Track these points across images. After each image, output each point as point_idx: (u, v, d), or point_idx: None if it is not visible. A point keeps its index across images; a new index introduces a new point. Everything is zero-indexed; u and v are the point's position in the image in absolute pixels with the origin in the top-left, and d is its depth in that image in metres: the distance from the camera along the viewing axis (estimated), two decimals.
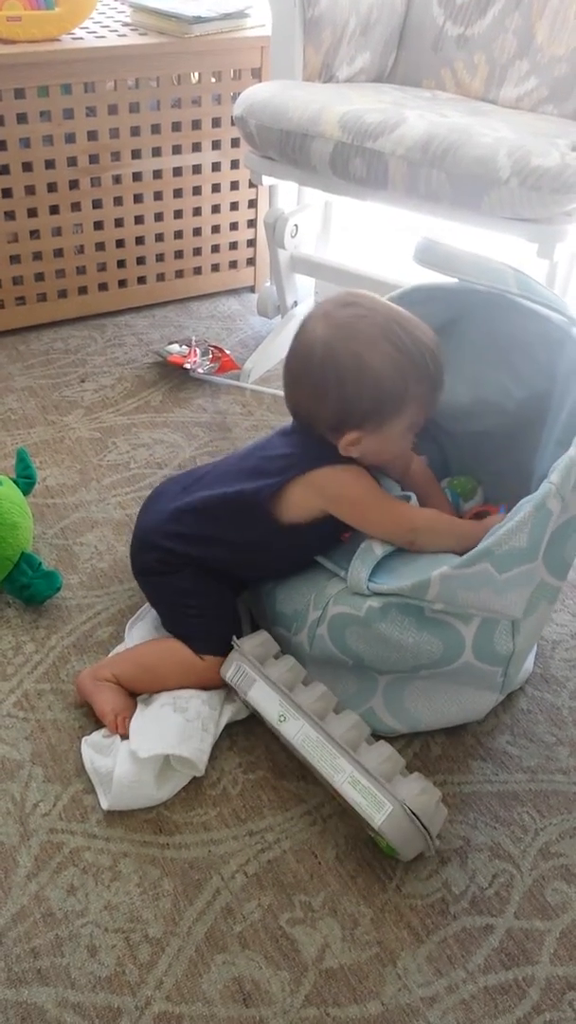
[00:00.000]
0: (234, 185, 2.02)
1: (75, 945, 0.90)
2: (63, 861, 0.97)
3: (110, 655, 1.19)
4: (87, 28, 1.85)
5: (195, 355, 1.83)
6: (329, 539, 1.12)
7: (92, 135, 1.81)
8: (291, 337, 1.11)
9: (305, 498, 1.08)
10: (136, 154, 1.88)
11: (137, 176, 1.90)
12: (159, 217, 1.97)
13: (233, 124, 1.76)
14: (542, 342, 1.15)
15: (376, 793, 0.93)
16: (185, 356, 1.82)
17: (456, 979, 0.89)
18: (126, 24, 1.91)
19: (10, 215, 1.82)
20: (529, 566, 0.98)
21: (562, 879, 0.98)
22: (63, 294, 1.96)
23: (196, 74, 1.87)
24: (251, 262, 2.14)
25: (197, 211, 2.01)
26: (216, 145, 1.95)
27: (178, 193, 1.97)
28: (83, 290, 1.97)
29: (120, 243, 1.96)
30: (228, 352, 1.85)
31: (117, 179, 1.88)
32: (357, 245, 2.09)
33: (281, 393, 1.15)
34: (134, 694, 1.11)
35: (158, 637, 1.18)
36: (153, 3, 1.88)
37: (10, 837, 0.99)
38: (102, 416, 1.70)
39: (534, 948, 0.92)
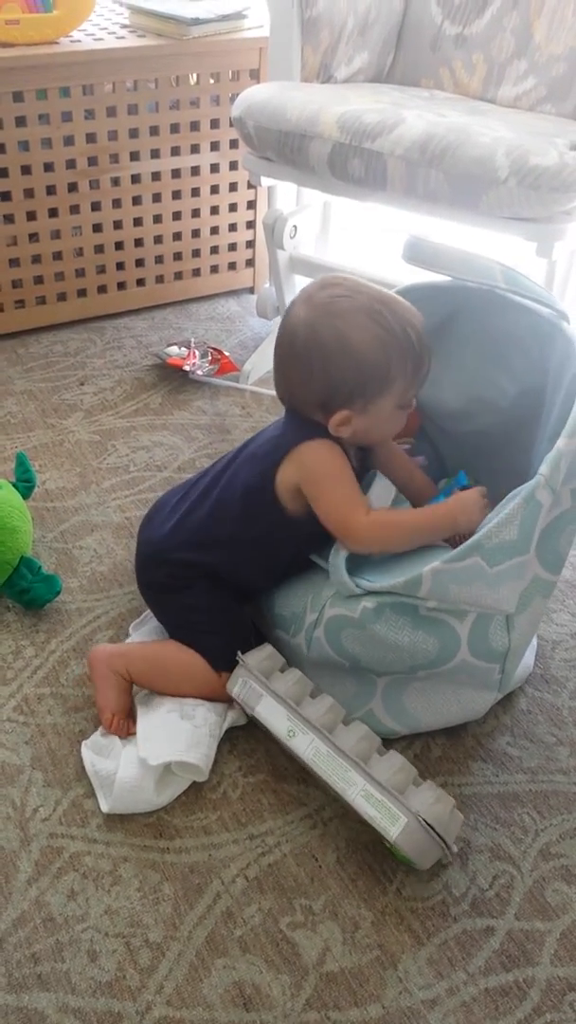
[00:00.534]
0: (233, 186, 2.02)
1: (76, 950, 0.90)
2: (63, 866, 0.97)
3: (128, 641, 1.18)
4: (85, 31, 1.85)
5: (194, 357, 1.83)
6: (327, 535, 1.11)
7: (91, 137, 1.81)
8: None
9: (293, 476, 1.08)
10: (135, 156, 1.88)
11: (136, 178, 1.90)
12: (158, 219, 1.97)
13: (231, 125, 1.75)
14: (533, 336, 1.16)
15: (390, 806, 0.93)
16: (184, 358, 1.82)
17: (457, 981, 0.89)
18: (124, 26, 1.91)
19: (9, 218, 1.82)
20: (521, 559, 0.98)
21: (562, 880, 0.98)
22: (62, 297, 1.96)
23: (194, 76, 1.87)
24: (250, 263, 2.14)
25: (196, 213, 2.01)
26: (215, 146, 1.95)
27: (177, 195, 1.96)
28: (82, 293, 1.97)
29: (119, 245, 1.96)
30: (227, 354, 1.84)
31: (116, 181, 1.88)
32: (356, 245, 2.08)
33: None
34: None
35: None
36: (151, 5, 1.87)
37: (10, 842, 0.99)
38: (101, 419, 1.70)
39: (535, 949, 0.92)
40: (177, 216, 1.99)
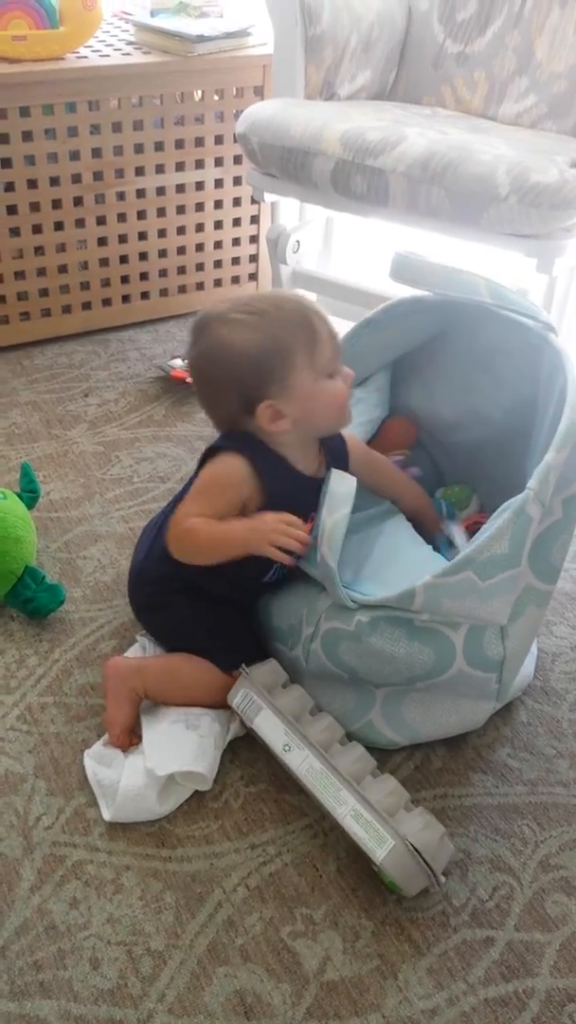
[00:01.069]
0: (236, 201, 2.04)
1: (78, 958, 0.90)
2: (66, 874, 0.97)
3: (148, 655, 1.19)
4: (91, 47, 1.88)
5: None
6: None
7: (96, 152, 1.83)
8: None
9: None
10: (140, 171, 1.89)
11: (141, 193, 1.92)
12: (162, 233, 1.99)
13: (235, 141, 1.77)
14: (522, 349, 1.17)
15: (378, 828, 0.93)
16: (187, 370, 1.84)
17: (457, 991, 0.89)
18: (130, 43, 1.93)
19: (15, 231, 1.84)
20: (512, 572, 0.99)
21: (562, 891, 0.98)
22: (67, 309, 1.98)
23: (199, 92, 1.89)
24: (253, 277, 2.16)
25: (200, 227, 2.03)
26: (219, 162, 1.97)
27: (181, 209, 1.98)
28: (87, 305, 1.99)
29: (124, 259, 1.98)
30: None
31: (121, 196, 1.90)
32: (358, 260, 2.10)
33: None
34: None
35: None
36: (157, 22, 1.90)
37: (13, 850, 0.99)
38: (105, 430, 1.71)
39: (534, 960, 0.92)
40: (181, 230, 2.01)
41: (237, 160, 1.98)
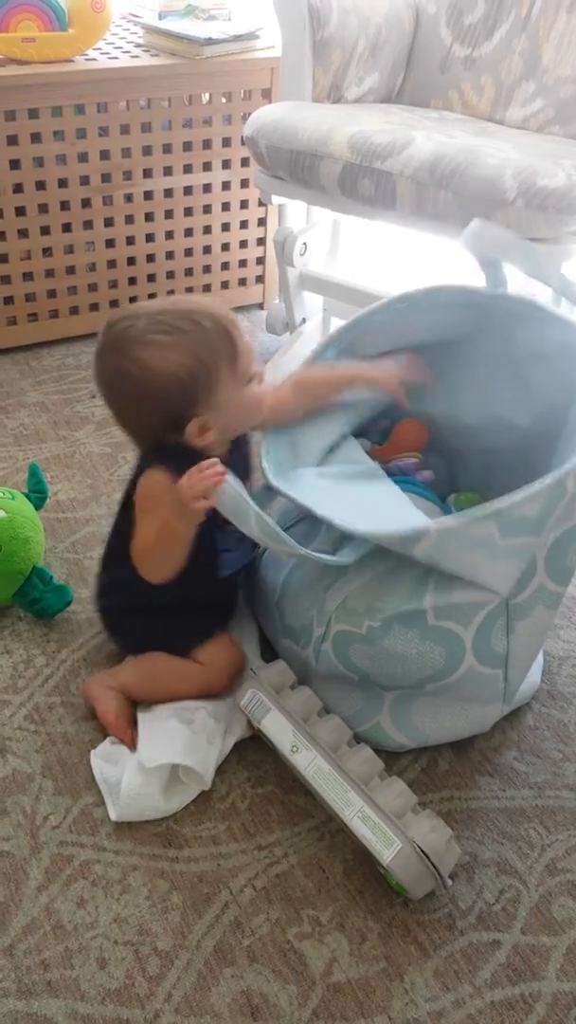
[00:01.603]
0: (244, 204, 2.04)
1: (85, 957, 0.91)
2: (73, 874, 0.98)
3: (118, 665, 1.20)
4: (100, 49, 1.88)
5: None
6: (205, 527, 1.03)
7: (104, 154, 1.84)
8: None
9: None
10: (147, 173, 1.90)
11: (148, 195, 1.93)
12: (170, 235, 2.00)
13: (243, 144, 1.78)
14: (563, 352, 1.14)
15: (386, 829, 0.93)
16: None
17: (463, 994, 0.90)
18: (139, 45, 1.94)
19: (23, 233, 1.84)
20: (530, 539, 0.97)
21: (568, 895, 0.99)
22: (75, 311, 1.98)
23: (207, 95, 1.90)
24: (260, 280, 2.16)
25: (207, 229, 2.03)
26: (226, 164, 1.98)
27: (188, 212, 1.99)
28: (94, 307, 1.99)
29: (131, 261, 1.98)
30: None
31: (129, 198, 1.91)
32: (365, 262, 2.10)
33: None
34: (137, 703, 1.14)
35: None
36: (165, 25, 1.90)
37: (21, 850, 1.00)
38: (112, 431, 1.71)
39: (540, 964, 0.92)
40: (189, 232, 2.02)
41: (245, 163, 1.98)
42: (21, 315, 1.93)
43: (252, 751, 1.11)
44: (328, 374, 1.20)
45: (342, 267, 1.99)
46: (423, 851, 0.92)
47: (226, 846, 1.01)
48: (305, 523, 1.19)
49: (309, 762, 1.00)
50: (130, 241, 1.96)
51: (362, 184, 1.48)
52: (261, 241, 2.11)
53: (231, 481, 0.95)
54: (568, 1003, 0.89)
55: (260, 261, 2.14)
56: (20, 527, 1.28)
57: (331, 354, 1.21)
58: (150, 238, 1.98)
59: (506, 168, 1.35)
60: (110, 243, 1.94)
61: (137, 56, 1.86)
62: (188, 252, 2.04)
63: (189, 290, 2.08)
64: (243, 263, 2.12)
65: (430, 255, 1.89)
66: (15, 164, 1.77)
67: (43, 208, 1.83)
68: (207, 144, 1.94)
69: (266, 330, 2.03)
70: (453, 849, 0.96)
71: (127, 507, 1.10)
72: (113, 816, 1.02)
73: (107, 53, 1.86)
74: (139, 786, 1.02)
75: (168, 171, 1.92)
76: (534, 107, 1.70)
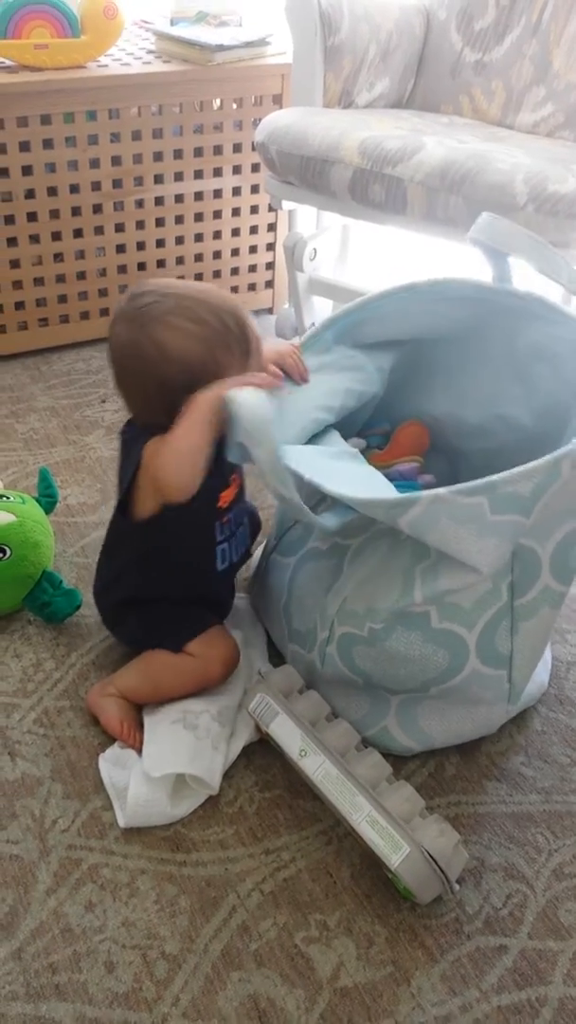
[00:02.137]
0: (254, 209, 2.05)
1: (93, 961, 0.91)
2: (81, 877, 0.98)
3: (115, 673, 1.21)
4: (112, 56, 1.89)
5: None
6: (203, 516, 1.08)
7: (116, 160, 1.85)
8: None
9: (146, 482, 1.06)
10: (158, 179, 1.91)
11: (159, 200, 1.93)
12: (180, 240, 2.00)
13: (254, 150, 1.78)
14: (570, 350, 1.14)
15: (394, 834, 0.93)
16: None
17: (470, 998, 0.90)
18: (150, 52, 1.95)
19: (35, 238, 1.85)
20: (518, 519, 0.95)
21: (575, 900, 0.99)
22: (85, 316, 1.99)
23: (218, 101, 1.91)
24: (270, 284, 2.17)
25: (217, 235, 2.04)
26: (237, 170, 1.98)
27: (199, 217, 2.00)
28: (104, 312, 2.00)
29: (142, 266, 1.99)
30: None
31: (140, 203, 1.92)
32: (374, 267, 2.11)
33: None
34: (140, 706, 1.14)
35: None
36: (177, 31, 1.91)
37: (30, 853, 1.00)
38: None
39: (547, 968, 0.92)
40: (199, 238, 2.02)
41: (255, 168, 1.99)
42: (32, 320, 1.94)
43: (260, 755, 1.11)
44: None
45: (352, 272, 1.99)
46: (431, 856, 0.92)
47: (234, 850, 1.01)
48: (300, 526, 1.20)
49: (317, 766, 1.00)
50: (141, 247, 1.97)
51: (372, 189, 1.48)
52: (271, 246, 2.12)
53: (261, 401, 0.96)
54: (575, 1008, 0.89)
55: (270, 266, 2.14)
56: (30, 531, 1.29)
57: (329, 335, 1.20)
58: (161, 243, 1.99)
59: (516, 173, 1.35)
60: (121, 248, 1.95)
61: (149, 62, 1.87)
62: (198, 257, 2.05)
63: None
64: (253, 268, 2.13)
65: (440, 260, 1.89)
66: (27, 170, 1.78)
67: (54, 214, 1.84)
68: (218, 150, 1.94)
69: (275, 335, 2.04)
70: (461, 854, 0.96)
71: (123, 506, 1.10)
72: (121, 823, 1.03)
73: (119, 59, 1.87)
74: (146, 793, 1.02)
75: (179, 177, 1.93)
76: (544, 112, 1.70)
